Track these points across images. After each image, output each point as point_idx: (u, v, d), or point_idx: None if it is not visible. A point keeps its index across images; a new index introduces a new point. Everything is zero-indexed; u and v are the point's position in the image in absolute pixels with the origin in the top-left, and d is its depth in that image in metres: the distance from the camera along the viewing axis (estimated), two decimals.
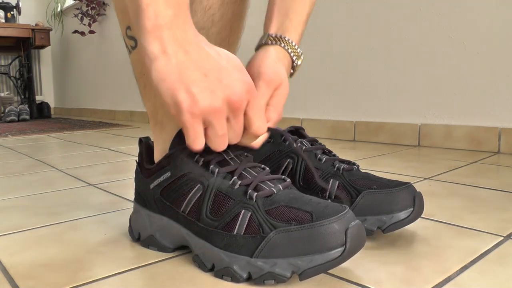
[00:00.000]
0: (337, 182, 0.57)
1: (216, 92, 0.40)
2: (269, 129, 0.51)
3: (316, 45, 1.73)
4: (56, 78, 4.40)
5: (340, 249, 0.41)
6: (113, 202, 0.79)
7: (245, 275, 0.43)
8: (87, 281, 0.46)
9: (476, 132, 1.29)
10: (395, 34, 1.48)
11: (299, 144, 0.61)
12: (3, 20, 3.65)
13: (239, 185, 0.46)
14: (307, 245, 0.41)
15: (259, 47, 0.55)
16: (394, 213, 0.53)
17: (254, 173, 0.48)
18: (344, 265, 0.47)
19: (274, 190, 0.46)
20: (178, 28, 0.39)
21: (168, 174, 0.51)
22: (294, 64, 0.55)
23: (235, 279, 0.44)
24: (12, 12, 3.67)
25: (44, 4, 4.22)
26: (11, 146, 1.74)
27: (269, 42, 0.54)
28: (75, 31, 3.42)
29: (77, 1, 3.41)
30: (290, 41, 0.54)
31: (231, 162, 0.49)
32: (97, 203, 0.79)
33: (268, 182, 0.47)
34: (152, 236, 0.53)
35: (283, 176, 0.50)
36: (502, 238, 0.56)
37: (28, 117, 3.40)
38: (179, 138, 0.50)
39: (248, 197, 0.45)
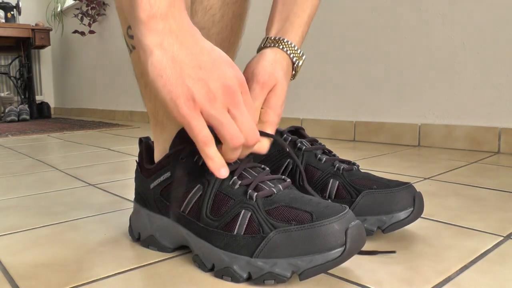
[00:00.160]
0: (337, 182, 0.57)
1: (210, 82, 0.40)
2: (267, 134, 0.51)
3: (316, 45, 1.73)
4: (56, 78, 4.40)
5: (340, 249, 0.41)
6: (113, 202, 0.79)
7: (245, 275, 0.43)
8: (87, 281, 0.46)
9: (476, 132, 1.29)
10: (395, 34, 1.48)
11: (299, 144, 0.61)
12: (3, 20, 3.65)
13: (239, 185, 0.46)
14: (307, 245, 0.41)
15: (259, 50, 0.56)
16: (394, 213, 0.53)
17: (254, 173, 0.48)
18: (344, 265, 0.47)
19: (274, 190, 0.46)
20: (173, 18, 0.39)
21: (168, 174, 0.51)
22: (295, 65, 0.55)
23: (235, 279, 0.44)
24: (12, 12, 3.68)
25: (44, 4, 4.22)
26: (11, 146, 1.74)
27: (268, 44, 0.54)
28: (75, 31, 3.42)
29: (77, 1, 3.41)
30: (289, 43, 0.54)
31: (231, 162, 0.49)
32: (97, 203, 0.79)
33: (268, 182, 0.47)
34: (152, 236, 0.54)
35: (283, 176, 0.50)
36: (502, 238, 0.56)
37: (28, 117, 3.40)
38: (180, 138, 0.50)
39: (248, 197, 0.45)
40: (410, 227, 0.60)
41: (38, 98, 4.08)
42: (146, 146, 0.57)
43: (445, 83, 1.37)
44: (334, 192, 0.57)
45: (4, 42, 3.71)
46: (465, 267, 0.47)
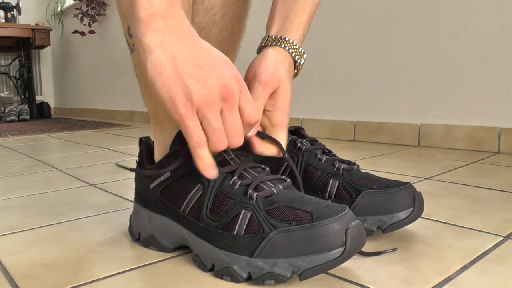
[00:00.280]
0: (337, 182, 0.57)
1: (209, 83, 0.40)
2: (269, 138, 0.51)
3: (316, 45, 1.73)
4: (56, 78, 4.40)
5: (340, 249, 0.41)
6: (113, 202, 0.79)
7: (245, 275, 0.43)
8: (87, 281, 0.46)
9: (476, 132, 1.29)
10: (395, 34, 1.48)
11: (299, 144, 0.61)
12: (3, 20, 3.65)
13: (239, 185, 0.46)
14: (307, 245, 0.41)
15: (260, 49, 0.55)
16: (394, 213, 0.53)
17: (254, 173, 0.48)
18: (344, 265, 0.47)
19: (274, 190, 0.46)
20: (173, 17, 0.39)
21: (168, 174, 0.51)
22: (297, 64, 0.55)
23: (235, 279, 0.44)
24: (12, 12, 3.68)
25: (44, 4, 4.22)
26: (11, 146, 1.74)
27: (269, 43, 0.54)
28: (75, 31, 3.42)
29: (77, 1, 3.41)
30: (290, 41, 0.54)
31: (231, 162, 0.49)
32: (97, 203, 0.79)
33: (268, 182, 0.47)
34: (152, 236, 0.53)
35: (283, 176, 0.50)
36: (502, 238, 0.56)
37: (28, 117, 3.40)
38: (180, 138, 0.50)
39: (248, 197, 0.45)
40: (410, 227, 0.60)
41: (38, 98, 4.07)
42: (146, 146, 0.57)
43: (445, 83, 1.37)
44: (334, 192, 0.57)
45: (4, 42, 3.71)
46: (465, 267, 0.47)
